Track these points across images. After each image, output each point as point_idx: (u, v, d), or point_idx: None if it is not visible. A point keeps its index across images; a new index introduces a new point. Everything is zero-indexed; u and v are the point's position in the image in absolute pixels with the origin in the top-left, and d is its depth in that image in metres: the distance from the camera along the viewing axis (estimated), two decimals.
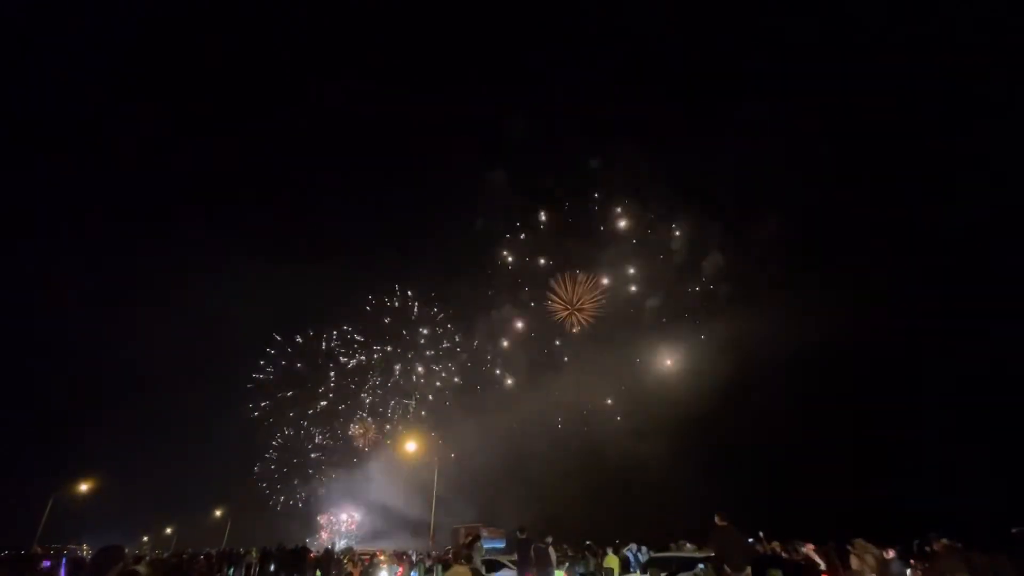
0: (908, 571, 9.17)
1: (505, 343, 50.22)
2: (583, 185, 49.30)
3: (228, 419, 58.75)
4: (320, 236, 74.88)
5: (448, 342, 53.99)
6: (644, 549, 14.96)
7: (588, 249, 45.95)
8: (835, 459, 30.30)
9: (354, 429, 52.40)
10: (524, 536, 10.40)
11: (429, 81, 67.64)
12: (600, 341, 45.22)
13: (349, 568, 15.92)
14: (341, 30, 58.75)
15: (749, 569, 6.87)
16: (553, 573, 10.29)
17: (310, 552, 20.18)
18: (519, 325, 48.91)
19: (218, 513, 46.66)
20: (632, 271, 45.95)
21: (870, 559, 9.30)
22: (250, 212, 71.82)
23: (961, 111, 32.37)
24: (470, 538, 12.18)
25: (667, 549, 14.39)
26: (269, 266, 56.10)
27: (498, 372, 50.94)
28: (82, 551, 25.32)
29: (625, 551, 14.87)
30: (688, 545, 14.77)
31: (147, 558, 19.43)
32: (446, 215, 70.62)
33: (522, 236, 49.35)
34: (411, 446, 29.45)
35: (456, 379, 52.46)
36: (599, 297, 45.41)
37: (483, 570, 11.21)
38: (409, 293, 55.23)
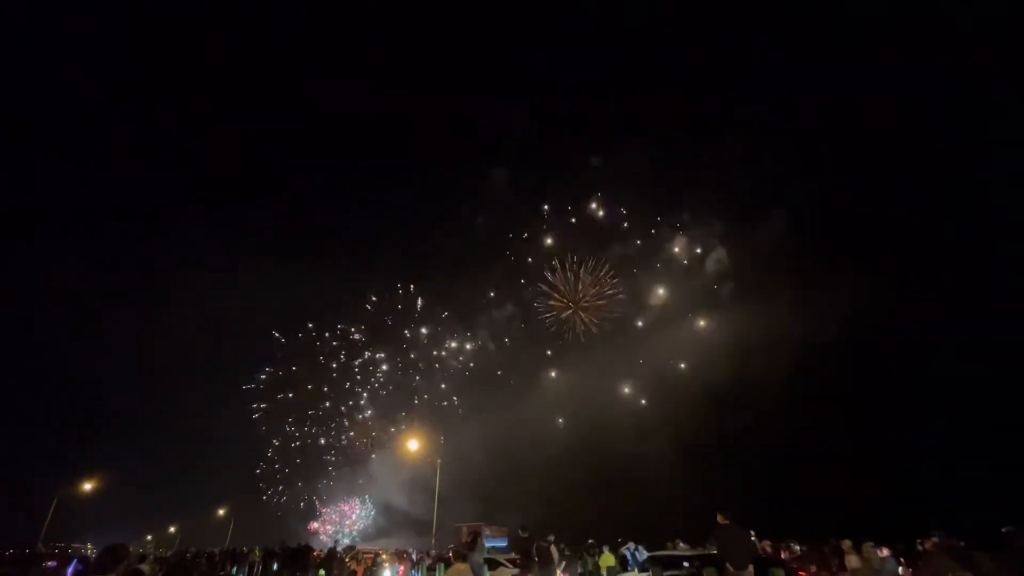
0: (900, 570, 9.24)
1: (507, 341, 50.44)
2: (583, 184, 49.49)
3: (231, 419, 58.91)
4: (320, 236, 75.06)
5: (450, 341, 54.15)
6: (641, 548, 15.07)
7: (590, 249, 45.98)
8: (834, 459, 30.42)
9: (356, 430, 52.56)
10: (526, 535, 10.50)
11: (429, 81, 67.71)
12: (603, 341, 45.26)
13: (353, 567, 16.03)
14: (341, 30, 58.85)
15: (752, 568, 6.85)
16: (555, 572, 10.40)
17: (313, 551, 20.30)
18: (522, 325, 49.07)
19: (221, 512, 46.90)
20: (635, 271, 46.07)
21: (863, 559, 9.37)
22: (250, 212, 72.00)
23: (961, 111, 32.43)
24: (471, 537, 12.29)
25: (663, 548, 14.48)
26: (269, 266, 56.22)
27: (500, 373, 51.15)
28: (86, 550, 25.48)
29: (623, 550, 14.98)
30: (682, 544, 14.88)
31: (151, 557, 19.55)
32: (446, 215, 70.76)
33: (524, 236, 49.44)
34: (413, 444, 29.60)
35: (458, 378, 52.65)
36: (607, 293, 45.06)
37: (485, 570, 11.34)
38: (411, 290, 55.39)
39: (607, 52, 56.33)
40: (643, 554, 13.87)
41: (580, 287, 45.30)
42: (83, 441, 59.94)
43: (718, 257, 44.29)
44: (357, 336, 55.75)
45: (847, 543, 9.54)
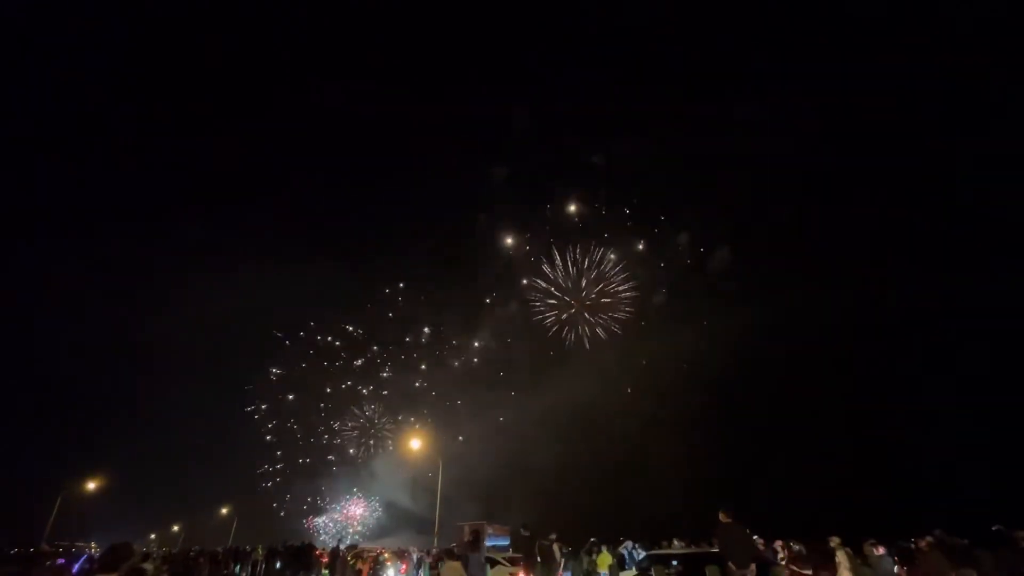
0: (896, 568, 9.30)
1: (509, 340, 50.53)
2: (584, 184, 49.50)
3: (234, 418, 59.09)
4: (321, 236, 75.19)
5: (451, 340, 54.27)
6: (638, 547, 15.17)
7: (591, 247, 45.83)
8: (833, 459, 30.50)
9: (358, 429, 52.69)
10: (528, 533, 10.61)
11: (429, 81, 67.70)
12: (610, 340, 45.17)
13: (359, 566, 16.15)
14: (341, 30, 58.78)
15: (754, 567, 6.84)
16: (558, 570, 10.52)
17: (316, 549, 20.41)
18: (524, 324, 49.07)
19: (224, 511, 47.06)
20: (636, 270, 45.97)
21: (861, 556, 9.45)
22: (250, 212, 72.11)
23: (961, 111, 32.47)
24: (473, 535, 12.40)
25: (659, 547, 14.60)
26: (269, 266, 56.30)
27: (501, 374, 51.27)
28: (90, 549, 25.61)
29: (621, 549, 15.09)
30: (676, 543, 15.00)
31: (154, 555, 19.68)
32: (447, 214, 70.76)
33: (527, 235, 49.47)
34: (415, 443, 29.70)
35: (460, 378, 52.77)
36: (611, 289, 44.72)
37: (487, 568, 11.46)
38: (412, 290, 55.49)
39: (607, 52, 56.35)
40: (640, 553, 13.97)
41: (584, 283, 45.07)
42: (85, 440, 60.20)
43: (719, 256, 44.41)
44: (358, 335, 55.95)
45: (835, 540, 9.61)
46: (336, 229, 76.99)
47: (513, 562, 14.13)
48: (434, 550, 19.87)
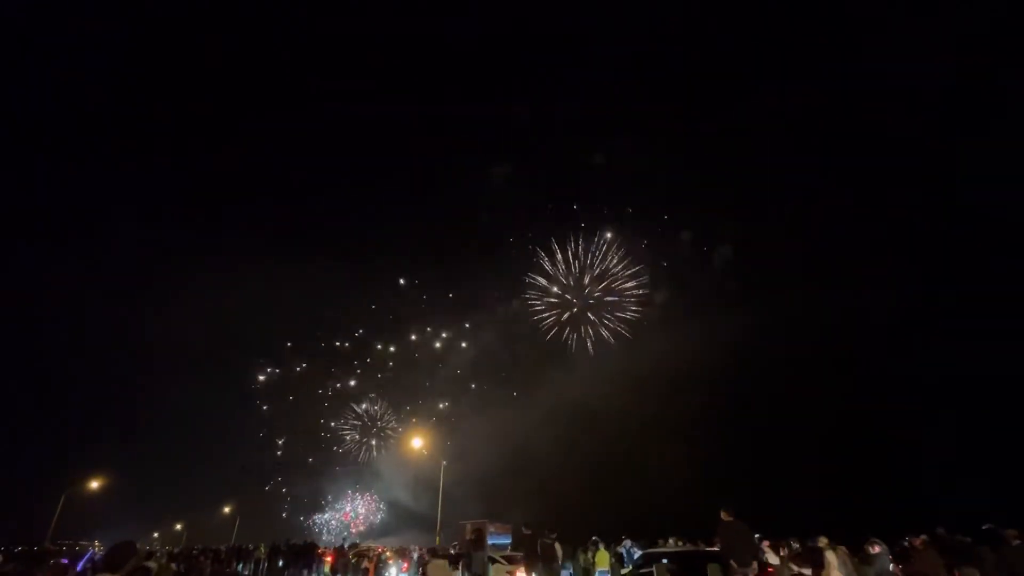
0: (891, 566, 9.37)
1: (510, 340, 50.61)
2: (584, 183, 49.55)
3: (237, 417, 59.28)
4: (321, 236, 75.17)
5: (453, 340, 54.37)
6: (635, 546, 15.29)
7: (595, 246, 45.63)
8: (833, 459, 30.60)
9: (360, 428, 52.84)
10: (529, 531, 10.69)
11: (429, 80, 67.72)
12: (615, 338, 45.13)
13: (365, 564, 16.28)
14: (341, 30, 58.69)
15: (755, 565, 6.88)
16: (559, 568, 10.60)
17: (318, 548, 20.55)
18: (526, 323, 49.08)
19: (227, 510, 47.22)
20: (638, 269, 45.90)
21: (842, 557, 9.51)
22: (250, 212, 72.21)
23: (961, 111, 32.51)
24: (475, 534, 12.50)
25: (655, 546, 14.75)
26: (270, 266, 56.35)
27: (503, 375, 51.39)
28: (94, 547, 25.75)
29: (619, 548, 15.21)
30: (671, 541, 15.14)
31: (158, 553, 19.81)
32: (447, 214, 70.66)
33: (530, 235, 49.46)
34: (417, 442, 29.83)
35: (461, 377, 52.89)
36: (617, 287, 44.50)
37: (489, 567, 11.57)
38: (413, 289, 55.58)
39: (607, 52, 56.30)
40: (636, 552, 14.08)
41: (587, 281, 44.93)
42: (86, 440, 60.36)
43: (720, 255, 44.46)
44: (359, 335, 56.07)
45: (823, 540, 9.69)
46: (336, 229, 77.07)
47: (510, 560, 14.23)
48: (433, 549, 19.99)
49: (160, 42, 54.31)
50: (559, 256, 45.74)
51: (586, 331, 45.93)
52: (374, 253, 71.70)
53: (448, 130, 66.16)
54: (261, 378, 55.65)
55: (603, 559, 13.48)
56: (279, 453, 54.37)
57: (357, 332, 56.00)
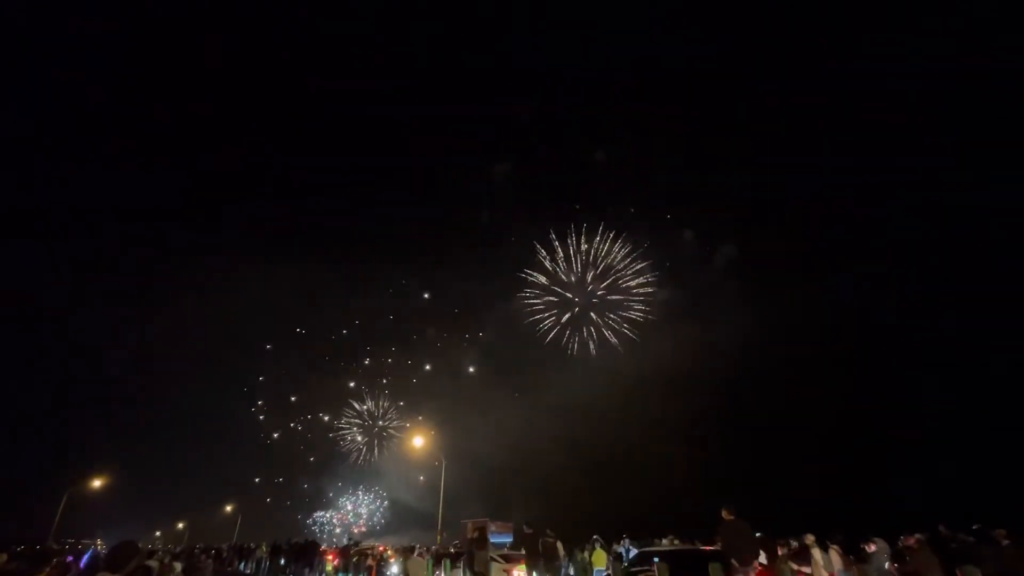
0: (887, 565, 9.41)
1: (510, 340, 50.64)
2: (584, 183, 49.49)
3: (239, 417, 59.40)
4: (321, 236, 75.32)
5: (454, 340, 54.46)
6: (632, 545, 15.38)
7: (597, 246, 45.43)
8: (832, 458, 30.67)
9: (362, 428, 52.94)
10: (531, 531, 10.75)
11: (430, 80, 67.75)
12: (620, 339, 45.07)
13: (370, 562, 16.36)
14: (341, 30, 58.75)
15: (756, 564, 6.86)
16: (560, 567, 10.66)
17: (319, 546, 20.61)
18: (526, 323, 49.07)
19: (228, 508, 47.34)
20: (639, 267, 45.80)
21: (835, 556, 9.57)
22: (250, 212, 72.33)
23: (961, 111, 32.53)
24: (477, 532, 12.58)
25: (651, 544, 14.84)
26: (270, 266, 56.49)
27: (504, 375, 51.44)
28: (96, 545, 25.87)
29: (619, 548, 15.30)
30: (665, 540, 15.24)
31: (160, 552, 19.89)
32: (448, 214, 70.81)
33: (531, 234, 49.36)
34: (418, 441, 29.88)
35: (463, 376, 52.96)
36: (623, 285, 44.14)
37: (491, 566, 11.63)
38: (414, 289, 55.65)
39: (607, 52, 56.33)
40: (635, 551, 14.16)
41: (589, 279, 44.81)
42: (87, 440, 60.51)
43: (721, 254, 44.45)
44: (359, 335, 56.16)
45: (810, 538, 9.71)
46: (336, 229, 77.22)
47: (508, 559, 14.28)
48: (434, 547, 20.09)
49: (160, 42, 54.44)
50: (560, 255, 45.75)
51: (588, 331, 45.95)
52: (374, 253, 71.90)
53: (448, 130, 66.33)
54: (261, 378, 55.79)
55: (600, 558, 13.53)
56: (279, 453, 54.55)
57: (357, 332, 56.14)
